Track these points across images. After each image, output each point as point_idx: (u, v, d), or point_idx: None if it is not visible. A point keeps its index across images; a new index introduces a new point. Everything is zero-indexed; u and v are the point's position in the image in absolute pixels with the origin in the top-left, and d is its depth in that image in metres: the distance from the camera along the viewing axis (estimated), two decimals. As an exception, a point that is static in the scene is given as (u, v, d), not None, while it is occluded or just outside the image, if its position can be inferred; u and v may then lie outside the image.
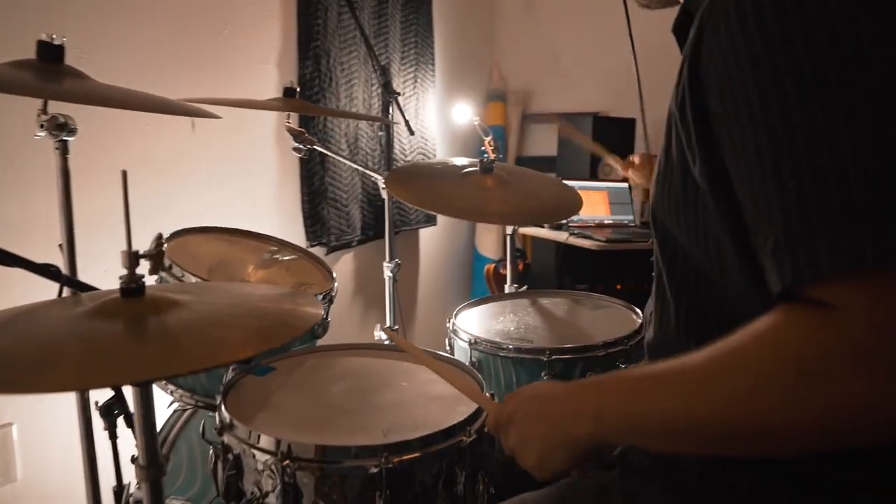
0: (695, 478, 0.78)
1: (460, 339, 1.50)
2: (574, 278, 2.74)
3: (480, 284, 3.44)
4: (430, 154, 3.05)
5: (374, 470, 0.84)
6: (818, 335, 0.52)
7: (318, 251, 2.43)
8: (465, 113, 3.08)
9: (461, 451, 0.92)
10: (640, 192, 1.77)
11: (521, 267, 3.08)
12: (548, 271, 2.88)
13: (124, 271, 0.75)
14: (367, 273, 2.73)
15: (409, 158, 2.90)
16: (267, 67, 2.17)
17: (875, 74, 0.54)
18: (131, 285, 0.75)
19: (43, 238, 1.40)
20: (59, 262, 1.08)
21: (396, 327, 1.96)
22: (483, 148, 3.29)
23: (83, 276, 1.11)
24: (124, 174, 0.76)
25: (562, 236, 2.71)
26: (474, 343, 1.44)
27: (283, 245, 1.72)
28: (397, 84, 2.79)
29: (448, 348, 1.60)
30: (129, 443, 1.28)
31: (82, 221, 1.18)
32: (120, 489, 1.22)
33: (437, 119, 3.11)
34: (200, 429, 1.00)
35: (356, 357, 1.23)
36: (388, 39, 2.73)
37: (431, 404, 1.03)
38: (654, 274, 0.87)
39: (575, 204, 1.77)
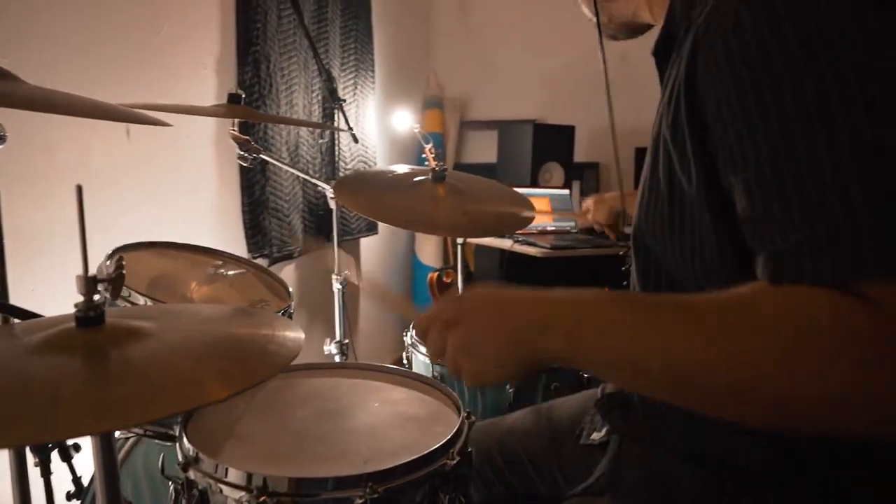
0: (690, 500, 0.76)
1: (420, 353, 1.46)
2: (519, 284, 2.73)
3: (422, 293, 3.40)
4: (370, 162, 2.99)
5: (359, 501, 0.79)
6: (865, 324, 0.51)
7: (260, 263, 2.34)
8: (406, 120, 3.05)
9: (445, 475, 0.87)
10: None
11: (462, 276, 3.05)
12: (491, 277, 2.87)
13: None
14: (310, 284, 2.65)
15: (349, 167, 2.83)
16: (206, 72, 2.07)
17: (874, 86, 0.54)
18: (89, 314, 0.67)
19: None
20: None
21: (346, 341, 1.89)
22: (424, 155, 3.26)
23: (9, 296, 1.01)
24: (79, 189, 0.68)
25: (506, 244, 2.70)
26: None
27: (230, 259, 1.63)
28: (338, 90, 2.72)
29: (405, 362, 1.55)
30: (62, 478, 1.17)
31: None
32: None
33: (378, 126, 3.06)
34: (160, 462, 0.91)
35: (319, 378, 1.16)
36: (329, 45, 2.66)
37: (408, 425, 0.98)
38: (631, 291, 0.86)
39: (528, 214, 1.75)
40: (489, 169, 3.37)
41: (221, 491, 0.82)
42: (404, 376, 1.16)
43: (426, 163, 3.13)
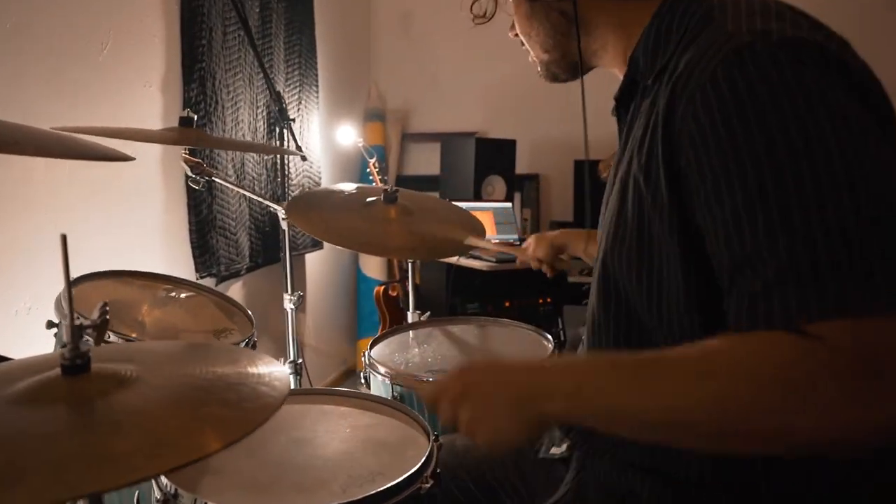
0: None
1: (378, 373, 1.48)
2: (464, 298, 2.79)
3: (367, 305, 3.41)
4: (315, 177, 2.99)
5: (340, 534, 0.81)
6: (812, 361, 0.57)
7: (208, 282, 2.31)
8: (350, 135, 3.06)
9: (420, 499, 0.91)
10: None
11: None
12: (438, 292, 2.91)
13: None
14: (257, 301, 2.62)
15: (295, 182, 2.82)
16: (150, 90, 2.03)
17: (835, 151, 0.60)
18: (76, 361, 0.67)
19: None
20: None
21: (300, 361, 1.89)
22: (368, 170, 3.28)
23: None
24: (64, 238, 0.68)
25: (452, 258, 2.75)
26: (395, 378, 1.43)
27: (184, 284, 1.61)
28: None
29: (363, 382, 1.57)
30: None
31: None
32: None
33: (322, 141, 3.06)
34: (135, 500, 0.91)
35: (287, 405, 1.17)
36: (273, 60, 2.65)
37: (381, 451, 1.00)
38: (589, 323, 0.91)
39: (478, 234, 1.79)
40: (432, 181, 3.42)
41: (203, 527, 0.83)
42: (370, 400, 1.19)
43: (370, 177, 3.15)
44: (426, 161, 3.68)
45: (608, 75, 0.94)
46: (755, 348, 0.60)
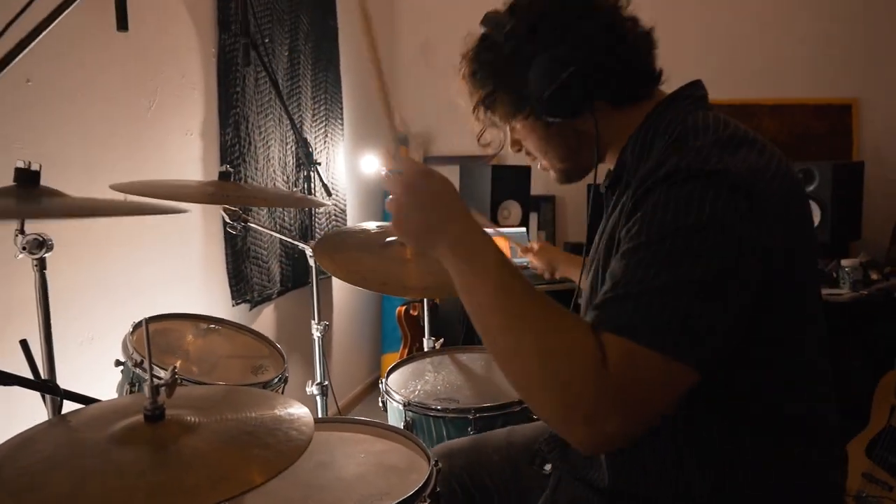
0: None
1: (394, 400, 1.72)
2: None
3: (391, 321, 3.65)
4: (341, 204, 3.24)
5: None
6: (590, 365, 0.80)
7: (242, 308, 2.57)
8: (373, 164, 3.31)
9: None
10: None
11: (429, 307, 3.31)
12: (455, 313, 3.14)
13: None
14: (288, 324, 2.88)
15: (321, 210, 3.07)
16: (191, 138, 2.30)
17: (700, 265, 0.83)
18: (155, 412, 0.92)
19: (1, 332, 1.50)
20: (20, 357, 1.19)
21: (326, 383, 2.13)
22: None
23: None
24: (146, 323, 0.92)
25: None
26: (407, 405, 1.66)
27: (217, 321, 1.86)
28: (309, 140, 2.97)
29: (381, 406, 1.80)
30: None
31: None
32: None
33: (347, 169, 3.31)
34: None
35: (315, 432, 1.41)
36: (301, 99, 2.90)
37: (389, 474, 1.24)
38: None
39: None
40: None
41: (245, 538, 1.07)
42: (384, 428, 1.42)
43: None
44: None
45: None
46: (580, 327, 0.84)
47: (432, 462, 1.24)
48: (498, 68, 1.07)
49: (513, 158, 3.73)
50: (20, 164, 1.21)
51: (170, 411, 0.96)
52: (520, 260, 3.14)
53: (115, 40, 1.91)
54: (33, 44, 1.15)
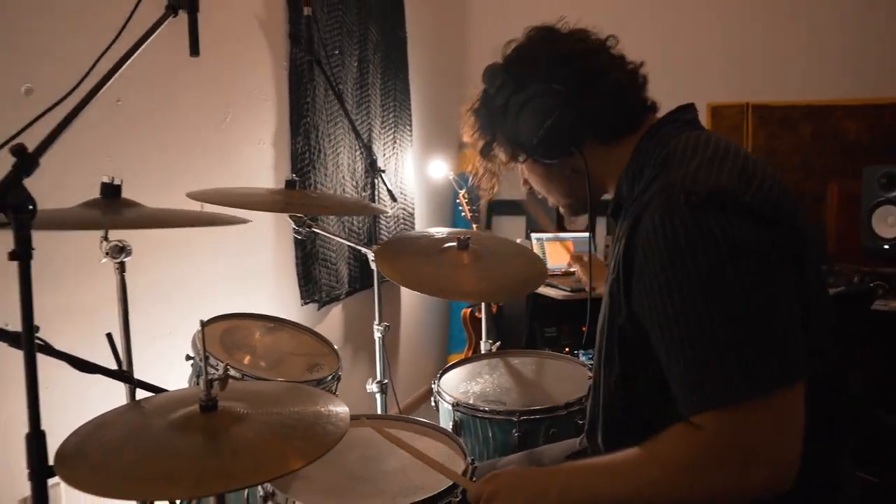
0: None
1: (444, 400, 1.80)
2: (542, 322, 3.07)
3: (458, 323, 3.75)
4: (409, 208, 3.36)
5: (389, 531, 1.14)
6: (693, 446, 0.85)
7: (310, 307, 2.73)
8: (441, 169, 3.41)
9: (457, 507, 1.22)
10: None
11: (494, 310, 3.39)
12: (518, 316, 3.20)
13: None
14: (355, 324, 3.02)
15: (391, 214, 3.20)
16: (263, 147, 2.47)
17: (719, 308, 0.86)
18: (209, 403, 1.04)
19: (87, 330, 1.68)
20: (105, 348, 1.35)
21: (386, 381, 2.24)
22: (458, 200, 3.62)
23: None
24: (202, 324, 1.05)
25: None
26: (456, 406, 1.75)
27: (276, 321, 2.01)
28: (377, 147, 3.10)
29: (433, 405, 1.90)
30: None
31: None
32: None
33: (415, 174, 3.43)
34: (245, 495, 1.28)
35: (364, 429, 1.52)
36: (370, 107, 3.04)
37: (427, 470, 1.32)
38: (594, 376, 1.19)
39: (541, 276, 2.08)
40: (519, 205, 3.73)
41: (292, 521, 1.19)
42: (429, 427, 1.52)
43: (460, 207, 3.49)
44: (517, 186, 3.97)
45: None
46: (669, 440, 0.90)
47: (468, 460, 1.33)
48: (494, 119, 1.18)
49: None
50: (105, 179, 1.38)
51: (223, 403, 1.08)
52: (564, 267, 3.19)
53: (193, 61, 2.07)
54: (123, 68, 1.31)
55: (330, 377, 1.69)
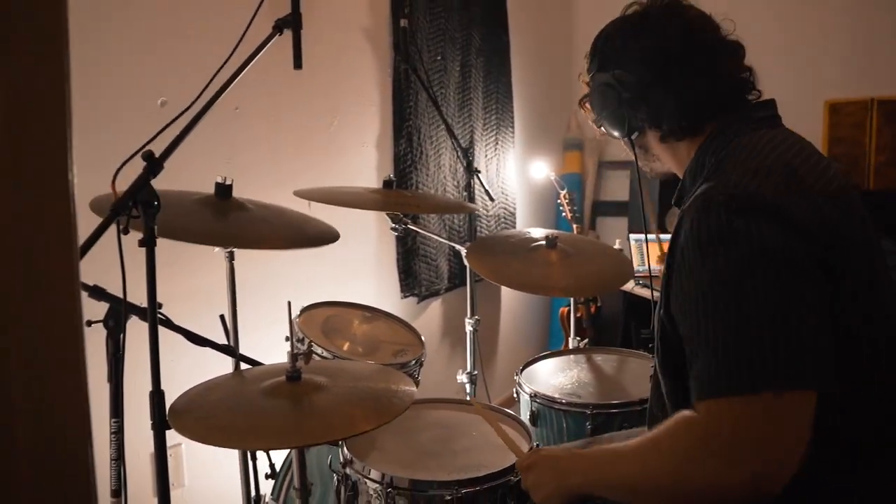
0: None
1: (524, 391, 1.92)
2: (639, 323, 3.09)
3: (557, 323, 3.82)
4: (510, 207, 3.48)
5: (448, 498, 1.28)
6: (688, 432, 0.92)
7: (410, 301, 2.91)
8: (542, 170, 3.50)
9: (510, 488, 1.34)
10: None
11: (593, 310, 3.43)
12: (615, 316, 3.24)
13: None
14: (454, 319, 3.18)
15: (492, 213, 3.34)
16: (366, 149, 2.67)
17: (733, 303, 0.93)
18: (294, 374, 1.22)
19: (206, 310, 1.93)
20: (219, 328, 1.56)
21: (476, 373, 2.38)
22: (559, 201, 3.71)
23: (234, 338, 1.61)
24: (289, 304, 1.23)
25: (629, 285, 3.06)
26: (534, 397, 1.85)
27: (374, 311, 2.19)
28: (479, 148, 3.24)
29: (515, 395, 2.01)
30: (261, 463, 1.76)
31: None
32: (258, 497, 1.71)
33: (517, 175, 3.54)
34: (328, 462, 1.46)
35: (442, 410, 1.67)
36: (472, 109, 3.19)
37: (492, 451, 1.45)
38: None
39: (624, 275, 2.15)
40: (622, 206, 3.75)
41: (366, 483, 1.35)
42: (499, 413, 1.64)
43: (561, 207, 3.58)
44: (620, 188, 3.99)
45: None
46: (673, 426, 0.96)
47: (532, 445, 1.44)
48: (592, 102, 1.27)
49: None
50: (218, 180, 1.60)
51: (307, 376, 1.26)
52: (655, 267, 3.18)
53: (303, 71, 2.31)
54: (236, 80, 1.52)
55: (413, 362, 1.85)
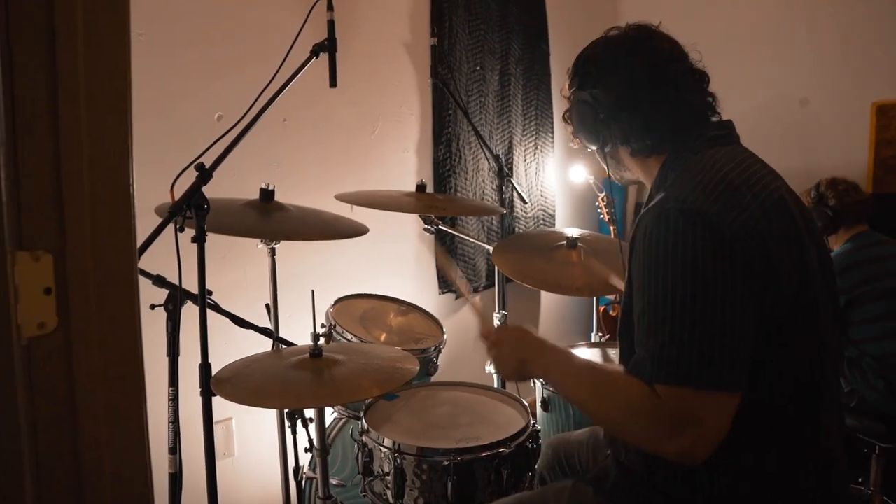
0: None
1: (537, 379, 2.13)
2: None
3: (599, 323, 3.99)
4: (549, 209, 3.67)
5: (446, 463, 1.51)
6: (644, 399, 1.12)
7: (448, 297, 3.15)
8: (581, 173, 3.68)
9: (503, 458, 1.56)
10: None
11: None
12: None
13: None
14: (489, 314, 3.39)
15: (530, 215, 3.54)
16: (407, 155, 2.92)
17: (691, 286, 1.12)
18: (315, 352, 1.48)
19: (252, 301, 2.22)
20: (265, 316, 1.84)
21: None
22: (597, 203, 3.89)
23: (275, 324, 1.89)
24: (312, 294, 1.48)
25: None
26: (544, 385, 2.06)
27: (407, 305, 2.43)
28: (518, 153, 3.45)
29: (532, 384, 2.22)
30: (301, 439, 2.03)
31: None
32: (297, 467, 1.98)
33: (557, 179, 3.73)
34: (350, 432, 1.71)
35: (456, 391, 1.90)
36: (511, 116, 3.40)
37: (493, 427, 1.67)
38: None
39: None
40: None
41: (380, 449, 1.59)
42: (508, 397, 1.85)
43: (599, 209, 3.76)
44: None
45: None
46: (628, 385, 1.15)
47: (530, 423, 1.65)
48: (572, 116, 1.46)
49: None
50: (262, 186, 1.87)
51: (328, 354, 1.52)
52: None
53: (347, 83, 2.58)
54: (282, 94, 1.78)
55: (432, 349, 2.08)
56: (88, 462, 0.85)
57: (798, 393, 1.18)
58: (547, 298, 3.86)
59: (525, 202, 3.08)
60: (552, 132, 3.66)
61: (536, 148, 3.58)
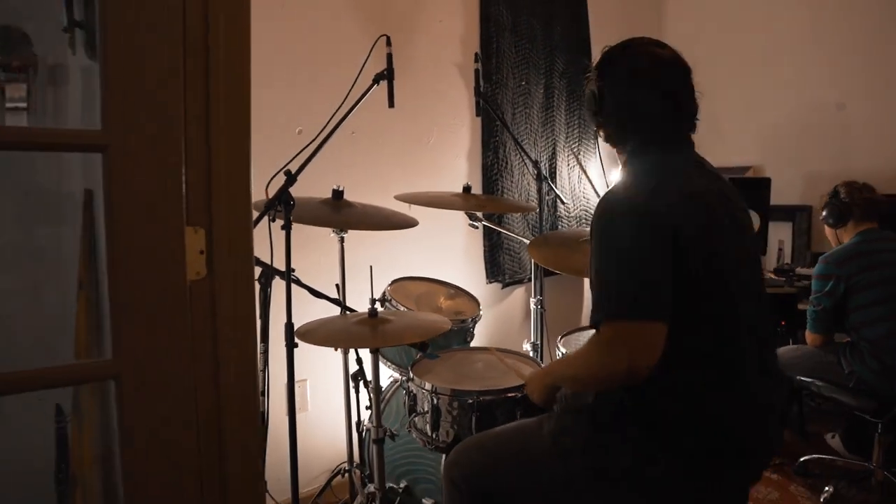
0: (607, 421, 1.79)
1: (560, 351, 2.58)
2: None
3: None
4: (591, 209, 4.10)
5: (470, 402, 2.00)
6: (594, 341, 1.58)
7: (494, 286, 3.63)
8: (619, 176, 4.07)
9: (517, 400, 2.03)
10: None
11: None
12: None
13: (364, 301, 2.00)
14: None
15: (573, 214, 3.98)
16: (458, 161, 3.42)
17: (624, 256, 1.57)
18: (372, 314, 1.99)
19: (325, 283, 2.76)
20: (335, 294, 2.37)
21: (538, 342, 3.05)
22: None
23: (345, 297, 2.41)
24: (370, 269, 2.00)
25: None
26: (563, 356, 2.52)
27: (454, 287, 2.93)
28: (561, 158, 3.90)
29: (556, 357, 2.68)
30: (363, 398, 2.55)
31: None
32: (359, 421, 2.50)
33: (600, 180, 4.15)
34: (403, 392, 2.22)
35: (489, 354, 2.38)
36: (554, 126, 3.85)
37: (511, 378, 2.14)
38: None
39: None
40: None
41: (422, 392, 2.09)
42: (530, 360, 2.32)
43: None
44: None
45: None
46: (584, 348, 1.62)
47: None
48: (585, 97, 1.91)
49: (771, 165, 4.16)
50: (334, 187, 2.40)
51: (382, 315, 2.03)
52: None
53: (405, 100, 3.10)
54: (348, 118, 2.31)
55: (469, 320, 2.58)
56: (223, 362, 1.37)
57: (716, 336, 1.60)
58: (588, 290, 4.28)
59: (564, 202, 3.52)
60: (595, 140, 4.09)
61: (580, 154, 4.01)
